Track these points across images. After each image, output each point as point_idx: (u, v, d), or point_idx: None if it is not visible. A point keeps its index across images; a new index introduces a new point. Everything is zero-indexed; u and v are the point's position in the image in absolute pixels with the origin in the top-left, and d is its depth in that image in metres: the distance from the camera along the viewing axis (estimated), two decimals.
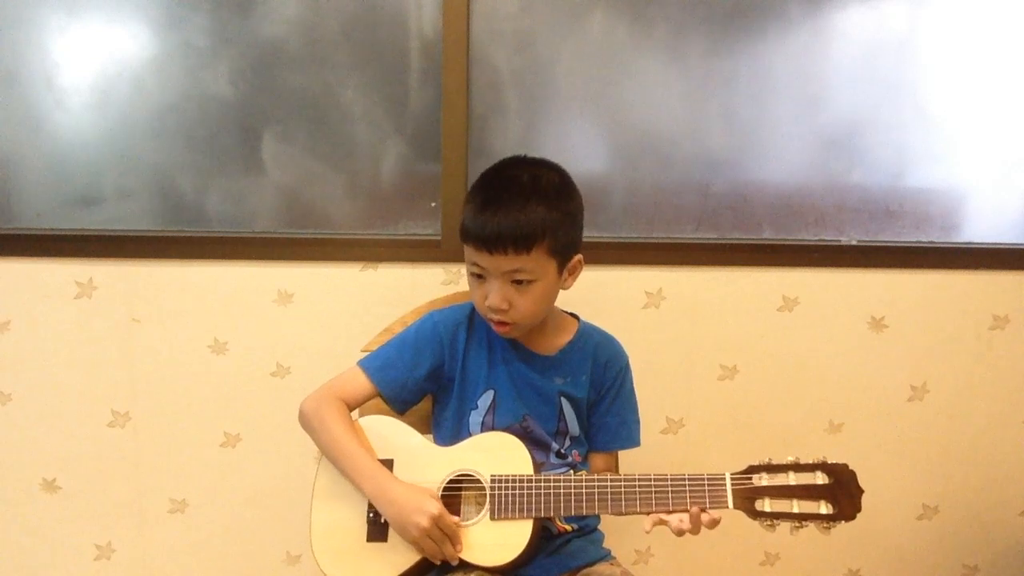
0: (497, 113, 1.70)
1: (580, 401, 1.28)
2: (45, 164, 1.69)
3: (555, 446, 1.27)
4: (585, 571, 1.25)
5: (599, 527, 1.33)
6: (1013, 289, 1.76)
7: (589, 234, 1.66)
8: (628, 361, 1.33)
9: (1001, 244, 1.77)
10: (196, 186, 1.71)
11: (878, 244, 1.76)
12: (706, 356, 1.76)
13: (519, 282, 1.16)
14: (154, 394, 1.73)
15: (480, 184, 1.21)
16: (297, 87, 1.68)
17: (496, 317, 1.19)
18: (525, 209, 1.14)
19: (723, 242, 1.74)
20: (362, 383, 1.26)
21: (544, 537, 1.20)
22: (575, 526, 1.27)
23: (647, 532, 1.11)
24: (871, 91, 1.73)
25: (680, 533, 1.09)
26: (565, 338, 1.29)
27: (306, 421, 1.25)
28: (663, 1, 1.68)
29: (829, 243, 1.75)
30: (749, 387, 1.77)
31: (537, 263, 1.15)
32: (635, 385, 1.34)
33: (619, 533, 1.38)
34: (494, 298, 1.16)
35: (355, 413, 1.27)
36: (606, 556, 1.29)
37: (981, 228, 1.78)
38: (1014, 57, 1.73)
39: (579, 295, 1.36)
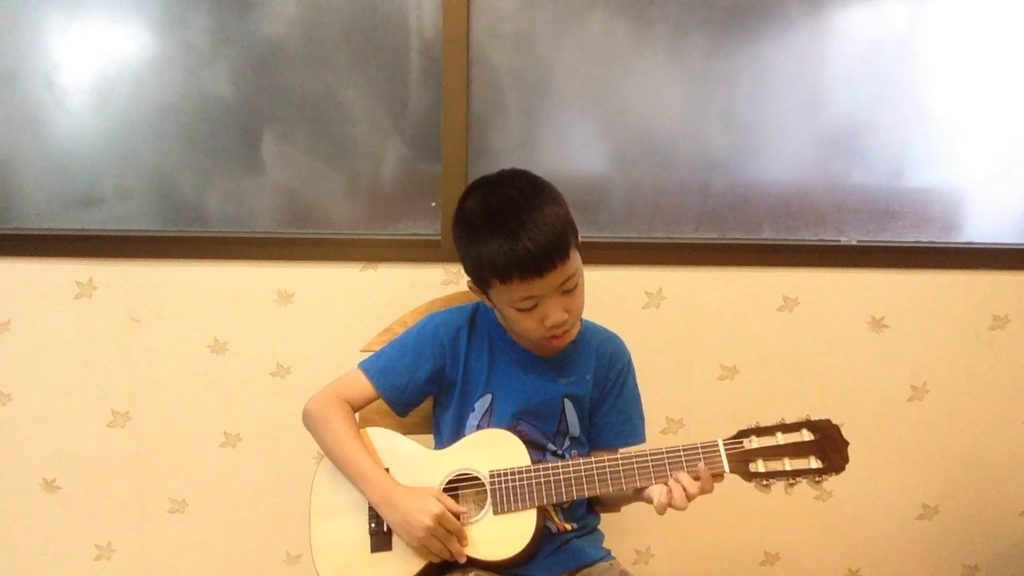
0: (497, 113, 1.70)
1: (583, 400, 1.28)
2: (45, 164, 1.69)
3: (551, 447, 1.27)
4: (585, 571, 1.25)
5: (599, 527, 1.33)
6: (1013, 289, 1.76)
7: (589, 234, 1.68)
8: (631, 358, 1.33)
9: (1001, 244, 1.77)
10: (196, 186, 1.71)
11: (878, 244, 1.76)
12: (706, 356, 1.76)
13: (567, 290, 1.15)
14: (154, 394, 1.73)
15: (480, 221, 1.14)
16: (297, 87, 1.68)
17: (561, 331, 1.17)
18: (544, 218, 1.11)
19: (723, 242, 1.74)
20: (363, 386, 1.26)
21: (544, 537, 1.20)
22: (575, 525, 1.27)
23: (661, 513, 1.12)
24: (871, 91, 1.73)
25: (686, 500, 1.09)
26: None
27: (311, 422, 1.25)
28: (663, 1, 1.68)
29: (829, 243, 1.75)
30: (749, 387, 1.77)
31: (575, 263, 1.16)
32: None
33: (619, 533, 1.38)
34: (556, 315, 1.14)
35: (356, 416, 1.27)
36: (606, 556, 1.29)
37: (981, 228, 1.78)
38: (1014, 57, 1.73)
39: None
